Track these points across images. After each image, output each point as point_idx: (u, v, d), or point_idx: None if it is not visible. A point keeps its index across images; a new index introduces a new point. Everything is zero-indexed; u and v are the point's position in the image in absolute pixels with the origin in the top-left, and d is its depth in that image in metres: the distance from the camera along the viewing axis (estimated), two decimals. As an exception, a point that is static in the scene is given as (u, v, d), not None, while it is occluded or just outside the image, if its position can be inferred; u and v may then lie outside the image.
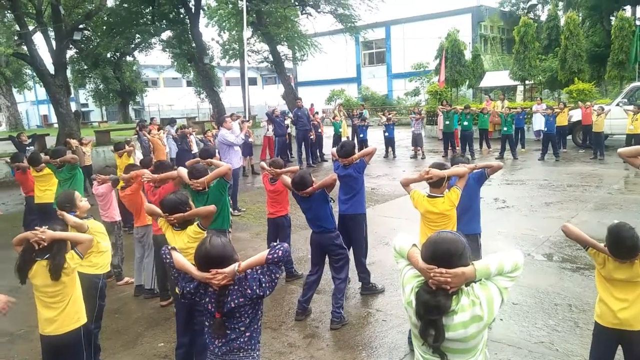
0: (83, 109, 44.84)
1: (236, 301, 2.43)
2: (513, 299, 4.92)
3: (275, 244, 2.51)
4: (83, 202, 4.02)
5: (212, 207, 3.74)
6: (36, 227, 3.08)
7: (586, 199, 9.03)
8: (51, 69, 17.82)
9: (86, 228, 3.66)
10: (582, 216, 7.78)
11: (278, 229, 5.86)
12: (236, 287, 2.43)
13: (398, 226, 7.84)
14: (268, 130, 15.93)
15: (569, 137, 15.92)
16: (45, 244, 3.06)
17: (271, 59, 25.54)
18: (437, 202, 3.98)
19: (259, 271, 2.46)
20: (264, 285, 2.44)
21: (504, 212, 8.49)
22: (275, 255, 2.45)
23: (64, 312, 3.19)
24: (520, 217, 8.14)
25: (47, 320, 3.19)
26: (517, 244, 6.70)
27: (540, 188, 10.21)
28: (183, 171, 4.83)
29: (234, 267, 2.39)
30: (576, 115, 15.35)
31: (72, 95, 30.66)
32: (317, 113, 16.76)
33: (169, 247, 2.66)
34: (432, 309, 1.93)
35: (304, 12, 24.14)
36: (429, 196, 4.04)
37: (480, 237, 4.56)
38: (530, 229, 7.40)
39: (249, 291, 2.42)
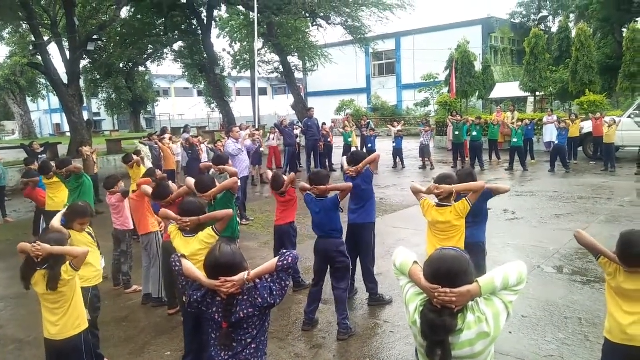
0: (95, 118, 45.39)
1: (245, 311, 2.40)
2: (522, 311, 4.87)
3: (284, 250, 2.50)
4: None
5: (229, 211, 3.76)
6: (33, 243, 3.13)
7: (597, 211, 8.94)
8: (65, 78, 18.08)
9: (66, 235, 3.66)
10: (593, 228, 7.69)
11: (284, 237, 5.82)
12: (245, 297, 2.41)
13: (406, 237, 7.81)
14: (271, 139, 16.22)
15: (580, 148, 15.80)
16: (42, 257, 3.14)
17: (282, 69, 25.70)
18: (445, 212, 3.98)
19: (269, 279, 2.45)
20: (275, 293, 2.42)
21: (513, 224, 8.43)
22: (286, 262, 2.44)
23: (65, 317, 3.27)
24: (530, 229, 8.07)
25: (50, 323, 3.28)
26: (526, 256, 6.63)
27: (550, 200, 10.13)
28: (191, 181, 4.86)
29: (243, 275, 2.38)
30: (587, 126, 15.26)
31: (85, 105, 31.02)
32: (324, 123, 16.79)
33: (179, 255, 2.66)
34: (438, 329, 1.90)
35: (314, 23, 24.32)
36: (438, 205, 4.04)
37: (485, 245, 4.53)
38: (540, 241, 7.33)
39: (260, 300, 2.40)
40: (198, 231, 3.66)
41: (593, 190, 10.85)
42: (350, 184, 4.80)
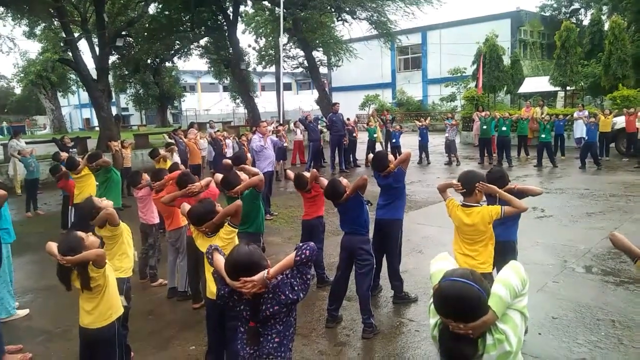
0: (123, 113, 46.18)
1: (271, 310, 2.40)
2: (552, 312, 4.73)
3: (300, 244, 2.47)
4: (104, 202, 4.12)
5: (238, 202, 3.73)
6: (59, 256, 3.20)
7: (630, 210, 8.66)
8: (94, 74, 18.41)
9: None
10: (627, 227, 7.45)
11: (312, 232, 5.78)
12: (270, 295, 2.40)
13: (432, 234, 7.71)
14: (297, 134, 16.38)
15: (612, 144, 15.35)
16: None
17: (306, 64, 25.67)
18: (472, 213, 3.83)
19: (289, 275, 2.42)
20: (296, 288, 2.40)
21: (543, 222, 8.23)
22: (303, 256, 2.40)
23: (99, 306, 3.34)
24: (560, 227, 7.87)
25: (86, 312, 3.36)
26: (557, 255, 6.47)
27: (581, 197, 9.86)
28: (219, 177, 4.89)
29: (262, 274, 2.36)
30: (620, 122, 14.82)
31: (113, 100, 31.57)
32: (348, 118, 16.72)
33: (213, 247, 2.70)
34: (456, 357, 1.86)
35: (340, 18, 24.20)
36: (463, 205, 3.91)
37: (516, 244, 4.41)
38: (571, 239, 7.13)
39: (283, 297, 2.39)
40: (218, 230, 3.68)
41: (626, 188, 10.52)
42: (365, 176, 4.64)
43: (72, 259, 3.18)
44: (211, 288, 3.65)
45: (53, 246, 3.29)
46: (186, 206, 4.00)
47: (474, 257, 3.88)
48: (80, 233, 3.35)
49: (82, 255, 3.20)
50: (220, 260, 2.59)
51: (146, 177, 6.26)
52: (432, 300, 2.03)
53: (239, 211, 3.70)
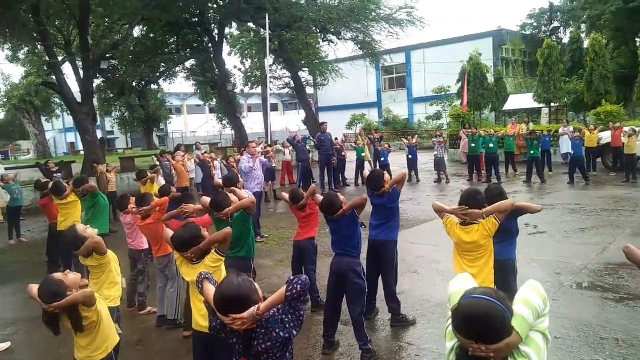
0: (109, 136, 45.80)
1: (263, 346, 2.26)
2: (555, 332, 4.61)
3: (292, 277, 2.32)
4: (89, 231, 3.95)
5: (227, 230, 3.55)
6: (44, 305, 3.02)
7: (622, 224, 8.65)
8: (78, 97, 18.20)
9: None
10: (620, 242, 7.41)
11: (303, 254, 5.65)
12: (262, 330, 2.26)
13: (426, 253, 7.60)
14: (286, 154, 16.30)
15: (599, 159, 15.48)
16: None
17: (293, 85, 25.75)
18: (472, 230, 3.76)
19: (280, 311, 2.28)
20: (288, 325, 2.26)
21: (536, 239, 8.17)
22: (295, 291, 2.25)
23: (95, 340, 3.19)
24: (555, 244, 7.81)
25: (81, 347, 3.21)
26: (554, 271, 6.39)
27: (572, 213, 9.85)
28: (206, 200, 4.75)
29: (252, 310, 2.22)
30: (605, 137, 14.97)
31: (98, 123, 31.27)
32: (336, 138, 16.70)
33: (203, 275, 2.57)
34: None
35: (325, 39, 24.38)
36: (462, 223, 3.83)
37: (515, 263, 4.32)
38: (566, 256, 7.06)
39: (274, 334, 2.26)
40: (204, 257, 3.51)
41: (616, 203, 10.55)
42: (365, 195, 4.59)
43: (60, 304, 2.99)
44: (197, 319, 3.47)
45: (35, 289, 3.08)
46: (169, 232, 3.85)
47: (475, 276, 3.77)
48: (57, 275, 3.15)
49: (70, 298, 3.02)
50: (210, 290, 2.44)
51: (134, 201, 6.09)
52: (449, 321, 1.89)
53: (227, 239, 3.52)
